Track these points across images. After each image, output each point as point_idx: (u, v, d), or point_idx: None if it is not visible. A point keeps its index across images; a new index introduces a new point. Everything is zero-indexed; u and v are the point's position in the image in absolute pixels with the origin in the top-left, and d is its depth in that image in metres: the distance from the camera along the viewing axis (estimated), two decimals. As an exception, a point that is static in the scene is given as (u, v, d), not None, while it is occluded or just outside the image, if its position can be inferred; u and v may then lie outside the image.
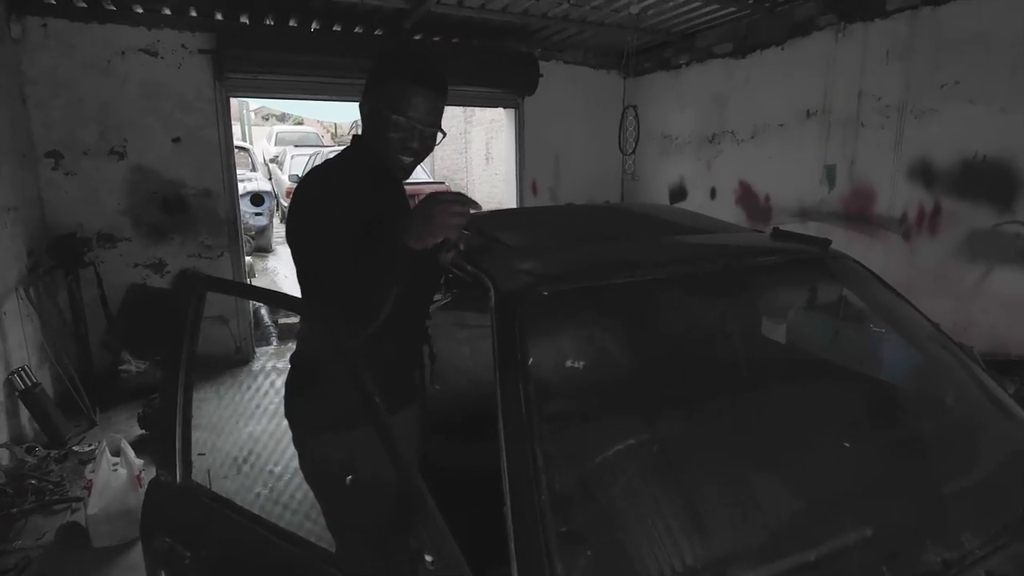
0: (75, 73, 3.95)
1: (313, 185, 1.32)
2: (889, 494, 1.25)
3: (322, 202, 1.26)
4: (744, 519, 1.18)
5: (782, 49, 4.38)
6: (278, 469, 3.02)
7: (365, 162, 1.37)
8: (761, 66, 4.56)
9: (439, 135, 1.38)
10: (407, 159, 1.34)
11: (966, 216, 3.42)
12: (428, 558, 0.88)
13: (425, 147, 1.36)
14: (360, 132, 1.44)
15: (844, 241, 3.68)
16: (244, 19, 4.37)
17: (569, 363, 1.25)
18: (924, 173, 3.60)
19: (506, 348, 1.15)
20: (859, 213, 3.98)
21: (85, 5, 3.90)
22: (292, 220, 1.30)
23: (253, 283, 6.25)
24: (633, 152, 5.21)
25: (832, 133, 4.12)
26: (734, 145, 4.86)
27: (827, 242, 1.73)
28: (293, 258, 1.30)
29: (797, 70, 4.28)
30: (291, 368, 1.44)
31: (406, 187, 1.53)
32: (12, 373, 3.13)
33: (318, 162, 1.70)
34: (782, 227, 1.87)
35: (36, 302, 3.57)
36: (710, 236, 1.74)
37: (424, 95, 1.30)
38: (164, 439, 1.33)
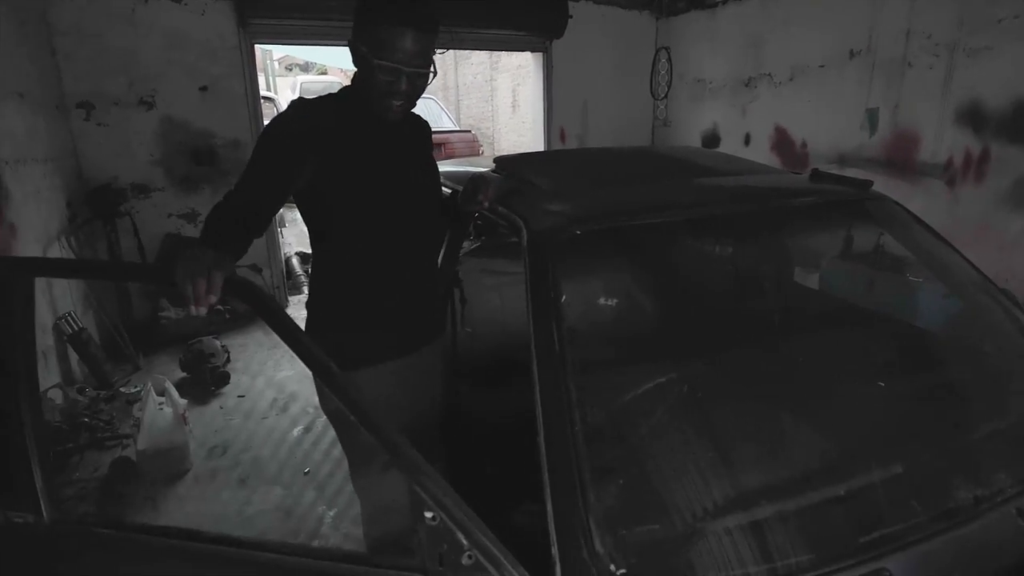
0: (101, 23, 3.93)
1: (282, 121, 1.31)
2: (921, 434, 1.24)
3: (275, 143, 1.26)
4: (773, 455, 1.19)
5: (826, -16, 4.13)
6: (312, 410, 3.14)
7: (353, 106, 1.35)
8: (802, 4, 4.32)
9: (430, 75, 1.32)
10: (396, 103, 1.31)
11: (1015, 162, 3.25)
12: (428, 514, 0.86)
13: (415, 89, 1.31)
14: None
15: (883, 188, 3.49)
16: (265, -38, 4.27)
17: (602, 300, 1.25)
18: (973, 117, 3.42)
19: (539, 287, 1.15)
20: (901, 159, 3.83)
21: (107, -49, 3.85)
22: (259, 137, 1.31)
23: (283, 232, 6.30)
24: (665, 97, 5.05)
25: (876, 75, 3.91)
26: (771, 89, 4.66)
27: (868, 183, 1.67)
28: None
29: (840, 7, 4.04)
30: (307, 313, 1.46)
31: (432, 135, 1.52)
32: (59, 319, 3.27)
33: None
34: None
35: (77, 251, 3.68)
36: (747, 177, 1.69)
37: (411, 36, 1.24)
38: (13, 467, 1.06)
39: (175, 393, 2.75)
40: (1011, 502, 1.07)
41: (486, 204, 1.42)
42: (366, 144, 1.34)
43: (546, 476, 0.98)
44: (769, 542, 0.97)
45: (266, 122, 6.17)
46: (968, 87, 3.41)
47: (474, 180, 1.47)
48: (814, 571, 0.93)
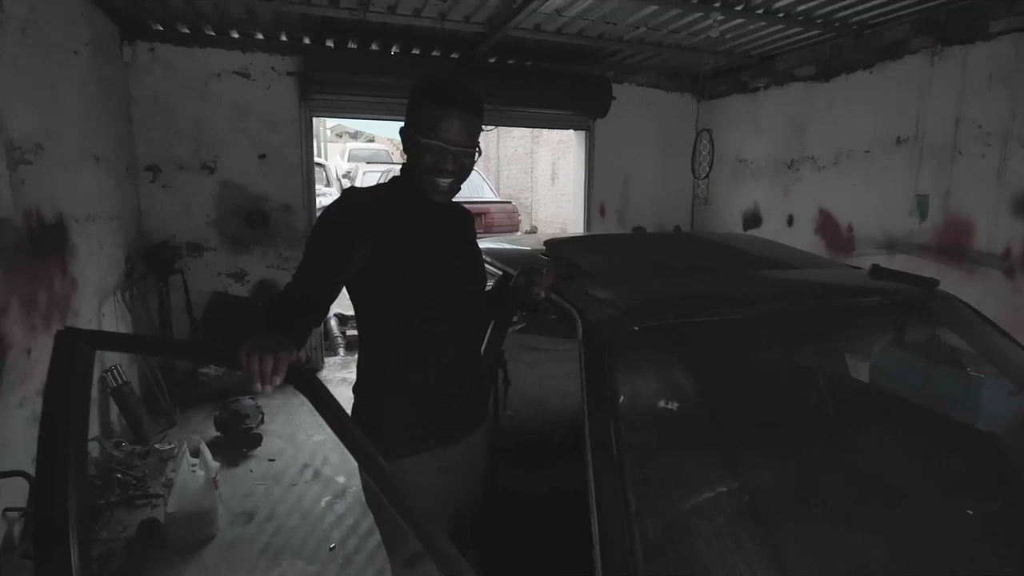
0: (175, 94, 4.24)
1: (334, 210, 1.34)
2: (1013, 564, 1.12)
3: (327, 234, 1.29)
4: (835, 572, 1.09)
5: (870, 73, 4.19)
6: (342, 480, 3.08)
7: (402, 191, 1.39)
8: (846, 90, 4.37)
9: (476, 154, 1.36)
10: (443, 181, 1.33)
11: (1079, 254, 3.13)
12: None
13: (461, 168, 1.34)
14: None
15: (936, 277, 3.42)
16: (329, 43, 4.59)
17: (662, 404, 1.20)
18: (1032, 207, 3.33)
19: (595, 383, 1.11)
20: (954, 246, 3.72)
21: (188, 31, 4.20)
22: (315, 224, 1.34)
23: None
24: (707, 176, 5.09)
25: (924, 161, 3.88)
26: (814, 171, 4.66)
27: (934, 282, 1.61)
28: None
29: (886, 94, 4.07)
30: (354, 398, 1.44)
31: (473, 205, 1.54)
32: (106, 371, 3.35)
33: (385, 179, 1.74)
34: (875, 262, 1.76)
35: (130, 305, 3.81)
36: (804, 271, 1.65)
37: (456, 116, 1.29)
38: (53, 538, 1.01)
39: (209, 456, 2.74)
40: None
41: (542, 295, 1.41)
42: (414, 228, 1.36)
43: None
44: None
45: (316, 187, 6.45)
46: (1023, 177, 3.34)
47: (527, 272, 1.47)
48: None
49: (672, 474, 1.14)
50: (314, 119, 5.04)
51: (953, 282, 3.63)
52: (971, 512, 1.15)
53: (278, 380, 0.98)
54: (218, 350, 1.18)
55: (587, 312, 1.26)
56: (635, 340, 1.18)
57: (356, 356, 1.51)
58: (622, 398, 1.08)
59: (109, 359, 3.44)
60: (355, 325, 1.45)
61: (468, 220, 1.57)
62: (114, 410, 3.48)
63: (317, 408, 0.98)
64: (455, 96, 1.30)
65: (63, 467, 1.15)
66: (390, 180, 1.45)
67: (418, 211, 1.38)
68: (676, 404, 1.22)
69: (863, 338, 1.74)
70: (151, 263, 4.13)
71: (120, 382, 3.38)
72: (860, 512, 1.22)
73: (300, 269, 1.27)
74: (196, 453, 2.75)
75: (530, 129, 12.04)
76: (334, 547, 2.54)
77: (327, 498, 2.94)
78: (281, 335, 1.03)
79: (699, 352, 1.36)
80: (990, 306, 3.35)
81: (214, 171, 4.41)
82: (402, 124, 1.37)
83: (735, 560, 1.08)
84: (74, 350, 1.18)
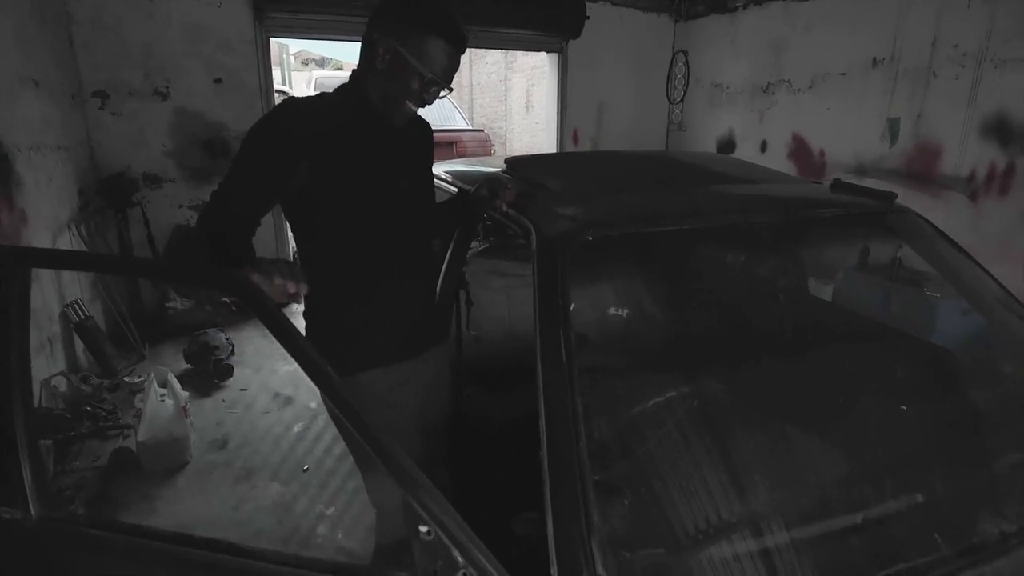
0: (118, 13, 3.94)
1: (273, 121, 1.24)
2: (944, 462, 1.19)
3: (265, 147, 1.22)
4: (786, 479, 1.14)
5: (850, -9, 4.06)
6: (314, 406, 3.11)
7: (352, 105, 1.31)
8: (825, 10, 4.24)
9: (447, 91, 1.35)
10: (413, 108, 1.32)
11: (1043, 177, 3.17)
12: (423, 529, 0.82)
13: (432, 102, 1.33)
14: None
15: (903, 200, 3.44)
16: (284, -45, 4.26)
17: (612, 310, 1.20)
18: (999, 129, 3.33)
19: (547, 294, 1.11)
20: (922, 171, 3.74)
21: (127, -59, 3.86)
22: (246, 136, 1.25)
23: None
24: (681, 101, 4.98)
25: (899, 84, 3.83)
26: (790, 95, 4.59)
27: (892, 196, 1.61)
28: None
29: (865, 14, 3.96)
30: (305, 323, 1.41)
31: (445, 133, 1.49)
32: (66, 306, 3.27)
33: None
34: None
35: (88, 240, 3.68)
36: (766, 186, 1.64)
37: (450, 53, 1.27)
38: (2, 461, 1.04)
39: (177, 385, 2.73)
40: (1039, 538, 1.01)
41: (504, 209, 1.38)
42: (364, 147, 1.30)
43: (548, 493, 0.94)
44: (780, 572, 0.92)
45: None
46: (995, 99, 3.33)
47: (490, 182, 1.43)
48: (828, 605, 0.88)
49: (622, 380, 1.16)
50: (273, 41, 4.76)
51: (919, 206, 3.66)
52: (905, 408, 1.21)
53: (304, 286, 1.08)
54: (221, 275, 1.14)
55: (542, 225, 1.24)
56: (589, 250, 1.17)
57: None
58: (573, 306, 1.08)
59: (69, 293, 3.36)
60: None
61: (426, 131, 1.50)
62: (80, 345, 3.43)
63: (260, 317, 0.96)
64: (458, 34, 1.28)
65: (6, 388, 1.12)
66: (336, 90, 1.36)
67: (367, 129, 1.31)
68: (627, 311, 1.23)
69: (823, 250, 1.76)
70: (107, 196, 3.96)
71: (82, 317, 3.31)
72: (808, 417, 1.27)
73: (233, 182, 1.21)
74: (164, 384, 2.74)
75: (504, 55, 11.59)
76: (307, 469, 2.60)
77: (300, 424, 2.98)
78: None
79: (655, 262, 1.35)
80: (953, 229, 3.40)
81: (167, 97, 4.18)
82: (374, 32, 1.27)
83: (683, 461, 1.12)
84: (8, 269, 1.13)
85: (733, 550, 0.96)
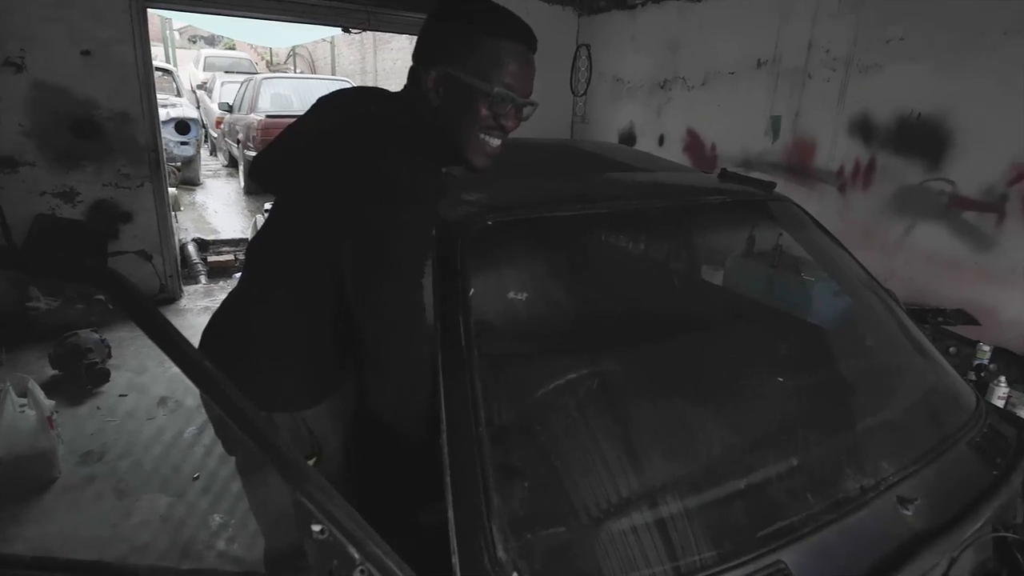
0: (-42, -32, 3.44)
1: (413, 189, 0.94)
2: (815, 427, 1.29)
3: (421, 230, 0.94)
4: (676, 452, 1.19)
5: (738, -6, 4.32)
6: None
7: (439, 150, 1.04)
8: (716, 11, 4.49)
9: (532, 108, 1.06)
10: (495, 142, 1.04)
11: (898, 172, 3.54)
12: (316, 527, 0.75)
13: (516, 124, 1.06)
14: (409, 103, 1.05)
15: (783, 192, 3.75)
16: (161, -82, 3.90)
17: (512, 294, 1.20)
18: (863, 128, 3.69)
19: (447, 278, 1.09)
20: (799, 165, 4.07)
21: None
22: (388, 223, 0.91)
23: (178, 216, 5.80)
24: (584, 94, 5.10)
25: (780, 84, 4.14)
26: (684, 92, 4.83)
27: (772, 184, 1.74)
28: (359, 277, 0.94)
29: (752, 17, 4.24)
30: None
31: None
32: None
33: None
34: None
35: (-76, 230, 3.21)
36: (660, 174, 1.71)
37: (516, 53, 1.00)
38: None
39: (40, 393, 2.44)
40: (892, 490, 1.13)
41: None
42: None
43: (448, 479, 0.92)
44: (673, 540, 0.96)
45: (162, 96, 5.62)
46: (860, 100, 3.67)
47: None
48: (716, 567, 0.93)
49: (521, 362, 1.17)
50: (154, 17, 4.36)
51: (797, 197, 3.97)
52: (782, 379, 1.30)
53: None
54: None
55: (442, 210, 1.21)
56: (487, 235, 1.16)
57: (220, 284, 1.32)
58: (472, 291, 1.06)
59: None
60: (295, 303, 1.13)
61: None
62: (-81, 352, 2.99)
63: (130, 314, 0.86)
64: (520, 27, 1.00)
65: None
66: (410, 135, 1.03)
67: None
68: (526, 295, 1.24)
69: (714, 238, 1.87)
70: (-52, 179, 3.46)
71: (-80, 319, 2.88)
72: (699, 392, 1.34)
73: (410, 301, 0.94)
74: (24, 393, 2.44)
75: (410, 41, 11.34)
76: (198, 477, 2.42)
77: (191, 429, 2.77)
78: None
79: (554, 246, 1.37)
80: (825, 218, 3.74)
81: (22, 68, 3.70)
82: (419, 66, 1.02)
83: (583, 440, 1.14)
84: None
85: (631, 523, 0.99)
